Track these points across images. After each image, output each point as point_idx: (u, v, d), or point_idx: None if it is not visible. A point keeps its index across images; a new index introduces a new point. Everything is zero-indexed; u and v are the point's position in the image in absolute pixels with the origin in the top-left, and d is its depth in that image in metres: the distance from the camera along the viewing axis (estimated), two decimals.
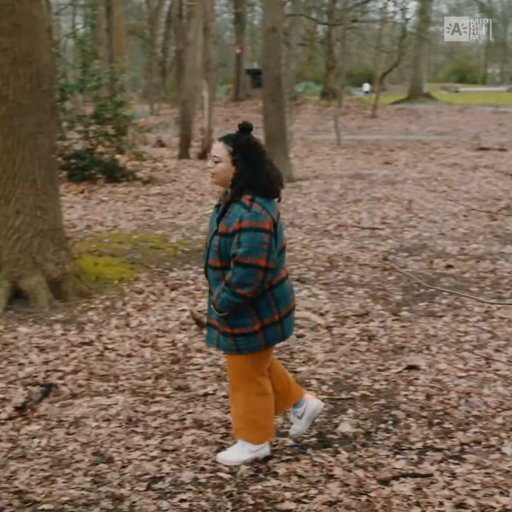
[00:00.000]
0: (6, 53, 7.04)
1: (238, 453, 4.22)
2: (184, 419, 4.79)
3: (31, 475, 4.10)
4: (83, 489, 3.95)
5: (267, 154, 3.97)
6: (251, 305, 3.94)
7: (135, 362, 5.87)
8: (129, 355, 6.03)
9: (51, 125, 7.49)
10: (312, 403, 4.45)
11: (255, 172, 3.87)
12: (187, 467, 4.17)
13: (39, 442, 4.48)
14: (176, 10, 21.60)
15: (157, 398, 5.13)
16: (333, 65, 36.16)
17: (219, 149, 3.91)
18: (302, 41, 37.50)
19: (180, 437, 4.53)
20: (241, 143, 3.89)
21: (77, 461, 4.26)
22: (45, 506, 3.78)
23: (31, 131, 7.21)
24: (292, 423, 4.49)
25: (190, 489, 3.93)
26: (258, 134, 23.31)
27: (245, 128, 3.94)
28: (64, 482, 4.02)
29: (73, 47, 34.18)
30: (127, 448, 4.39)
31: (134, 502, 3.81)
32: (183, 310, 7.12)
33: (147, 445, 4.41)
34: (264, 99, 16.38)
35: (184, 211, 12.52)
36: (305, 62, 46.64)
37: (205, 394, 5.19)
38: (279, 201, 4.04)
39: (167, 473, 4.10)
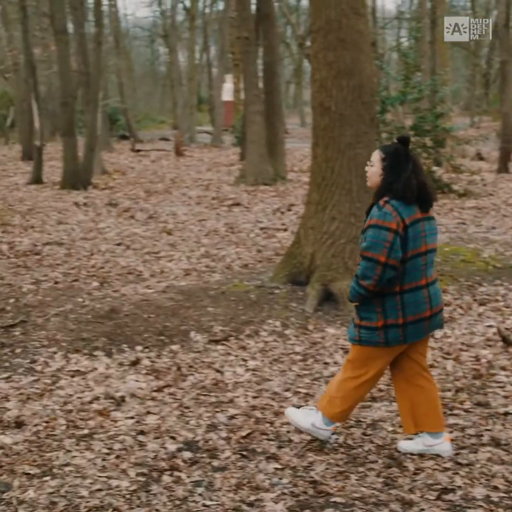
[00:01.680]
0: (331, 66, 7.39)
1: (304, 416, 4.55)
2: (481, 435, 4.70)
3: (327, 469, 4.29)
4: (374, 489, 4.06)
5: (415, 165, 4.25)
6: (379, 303, 4.23)
7: (436, 373, 5.85)
8: (430, 366, 6.00)
9: (369, 135, 7.71)
10: (445, 445, 4.45)
11: (396, 178, 4.20)
12: (480, 483, 4.10)
13: (337, 439, 4.66)
14: (502, 20, 21.02)
15: (455, 411, 5.09)
16: None
17: (375, 155, 4.36)
18: None
19: (475, 452, 4.46)
20: (391, 151, 4.30)
21: (371, 462, 4.37)
22: (337, 499, 3.94)
23: (350, 141, 7.49)
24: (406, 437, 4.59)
25: (480, 506, 3.86)
26: None
27: (401, 140, 4.34)
28: (356, 480, 4.16)
29: (396, 60, 34.65)
30: (421, 456, 4.42)
31: (422, 509, 3.83)
32: (490, 326, 6.95)
33: (441, 456, 4.40)
34: None
35: (498, 226, 12.16)
36: None
37: (506, 413, 5.04)
38: (425, 211, 4.24)
39: (459, 487, 4.07)
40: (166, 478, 4.22)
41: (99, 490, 4.10)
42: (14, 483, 4.19)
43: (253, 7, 19.46)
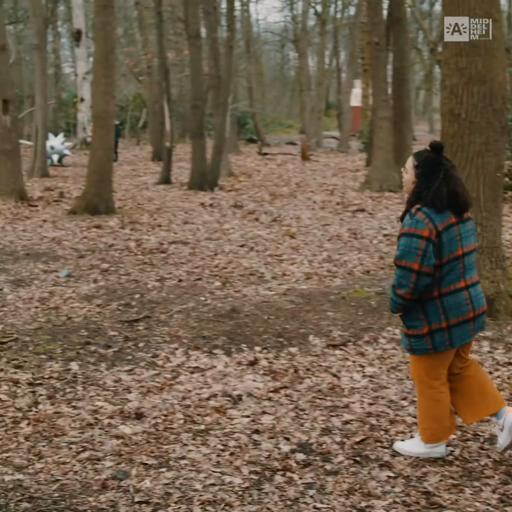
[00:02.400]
0: (462, 73, 7.25)
1: (414, 445, 4.51)
2: None
3: (440, 480, 4.22)
4: (489, 505, 3.96)
5: (446, 173, 4.23)
6: (421, 310, 4.24)
7: None
8: None
9: (500, 144, 7.52)
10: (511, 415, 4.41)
11: (427, 186, 4.20)
12: None
13: (452, 451, 4.58)
14: None
15: None
16: None
17: (408, 162, 4.36)
18: None
19: None
20: (423, 159, 4.29)
21: (487, 477, 4.27)
22: None
23: (479, 149, 7.32)
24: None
25: None
26: None
27: (434, 146, 4.32)
28: (471, 494, 4.07)
29: None
30: None
31: None
32: None
33: None
34: None
35: None
36: None
37: None
38: (457, 216, 4.22)
39: None
40: (278, 478, 4.26)
41: (213, 484, 4.19)
42: (132, 472, 4.33)
43: (385, 12, 19.32)
